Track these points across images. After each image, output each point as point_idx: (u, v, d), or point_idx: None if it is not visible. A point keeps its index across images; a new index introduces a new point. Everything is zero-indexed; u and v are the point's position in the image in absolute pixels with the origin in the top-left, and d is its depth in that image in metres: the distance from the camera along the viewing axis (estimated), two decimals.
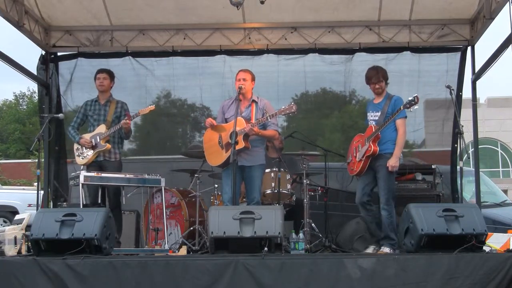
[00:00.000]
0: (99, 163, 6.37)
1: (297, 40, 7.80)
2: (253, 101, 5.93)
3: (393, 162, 5.63)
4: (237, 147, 5.55)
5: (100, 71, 6.65)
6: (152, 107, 6.36)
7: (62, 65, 8.07)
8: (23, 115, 31.14)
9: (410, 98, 5.61)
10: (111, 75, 6.66)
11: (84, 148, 6.40)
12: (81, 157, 6.42)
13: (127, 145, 7.81)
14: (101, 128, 6.41)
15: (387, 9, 7.49)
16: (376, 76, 5.88)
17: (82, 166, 6.32)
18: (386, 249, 5.57)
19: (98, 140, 6.34)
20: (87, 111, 6.58)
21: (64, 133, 7.97)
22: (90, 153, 6.36)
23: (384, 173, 5.67)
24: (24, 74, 7.45)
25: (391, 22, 7.70)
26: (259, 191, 5.97)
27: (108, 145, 6.35)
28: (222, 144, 5.82)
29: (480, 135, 7.94)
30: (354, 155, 5.84)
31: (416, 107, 5.61)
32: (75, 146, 6.50)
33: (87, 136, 6.41)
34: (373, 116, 5.87)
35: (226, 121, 5.97)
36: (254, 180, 5.85)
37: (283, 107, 5.69)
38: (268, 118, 5.71)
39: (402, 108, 5.63)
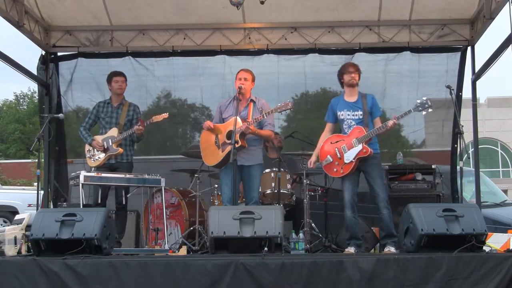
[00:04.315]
0: (110, 165, 6.38)
1: (297, 40, 7.80)
2: (251, 100, 5.94)
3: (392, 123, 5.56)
4: None
5: (117, 74, 6.62)
6: (166, 115, 6.39)
7: (62, 65, 8.06)
8: (23, 115, 31.06)
9: (421, 101, 5.51)
10: (126, 78, 6.64)
11: (95, 150, 6.40)
12: (92, 159, 6.43)
13: None
14: (113, 132, 6.41)
15: (387, 9, 7.49)
16: (353, 66, 5.82)
17: (92, 168, 6.29)
18: (392, 249, 5.50)
19: (110, 144, 6.34)
20: (99, 113, 6.56)
21: (64, 133, 7.97)
22: (101, 156, 6.37)
23: (379, 172, 5.68)
24: (24, 74, 7.45)
25: (391, 22, 7.70)
26: (257, 190, 5.97)
27: (120, 149, 6.35)
28: (218, 144, 5.84)
29: (480, 135, 7.94)
30: (338, 156, 5.68)
31: (430, 110, 5.55)
32: (87, 147, 6.49)
33: (99, 139, 6.41)
34: (351, 116, 5.73)
35: (223, 120, 5.98)
36: (252, 180, 5.86)
37: (279, 104, 5.70)
38: (265, 115, 5.71)
39: (412, 111, 5.56)
